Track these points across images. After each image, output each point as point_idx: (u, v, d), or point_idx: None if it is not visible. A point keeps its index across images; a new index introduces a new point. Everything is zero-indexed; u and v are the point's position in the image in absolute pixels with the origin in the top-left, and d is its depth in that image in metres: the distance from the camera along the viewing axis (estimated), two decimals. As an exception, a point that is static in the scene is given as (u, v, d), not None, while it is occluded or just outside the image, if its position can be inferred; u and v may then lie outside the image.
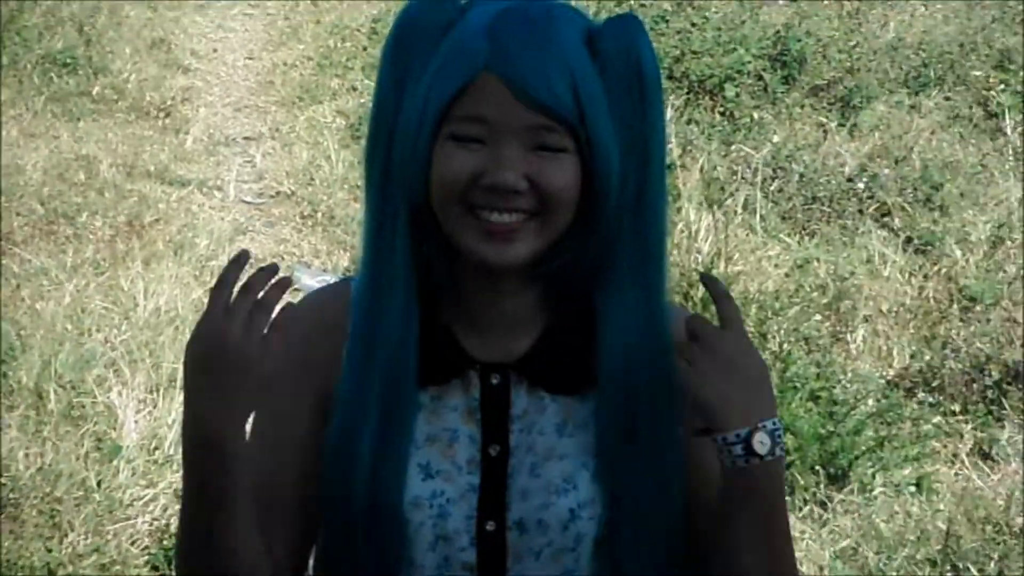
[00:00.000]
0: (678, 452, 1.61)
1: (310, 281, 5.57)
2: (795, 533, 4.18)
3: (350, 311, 1.64)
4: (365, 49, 8.31)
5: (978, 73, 7.68)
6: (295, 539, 1.63)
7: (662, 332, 1.61)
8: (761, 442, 1.54)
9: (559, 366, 1.62)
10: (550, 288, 1.62)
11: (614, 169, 1.56)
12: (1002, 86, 7.55)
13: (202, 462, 1.54)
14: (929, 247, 6.15)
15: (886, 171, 6.70)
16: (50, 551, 3.90)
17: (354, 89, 7.87)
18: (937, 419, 4.93)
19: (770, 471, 1.56)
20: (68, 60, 7.68)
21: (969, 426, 4.92)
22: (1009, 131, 7.19)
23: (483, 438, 1.62)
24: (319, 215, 6.46)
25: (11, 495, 4.08)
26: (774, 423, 1.56)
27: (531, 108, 1.52)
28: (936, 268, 5.97)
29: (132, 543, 4.04)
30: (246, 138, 7.43)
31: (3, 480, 4.11)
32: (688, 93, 7.36)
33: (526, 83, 1.52)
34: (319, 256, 6.12)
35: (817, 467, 4.49)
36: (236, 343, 1.51)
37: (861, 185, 6.61)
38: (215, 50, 8.69)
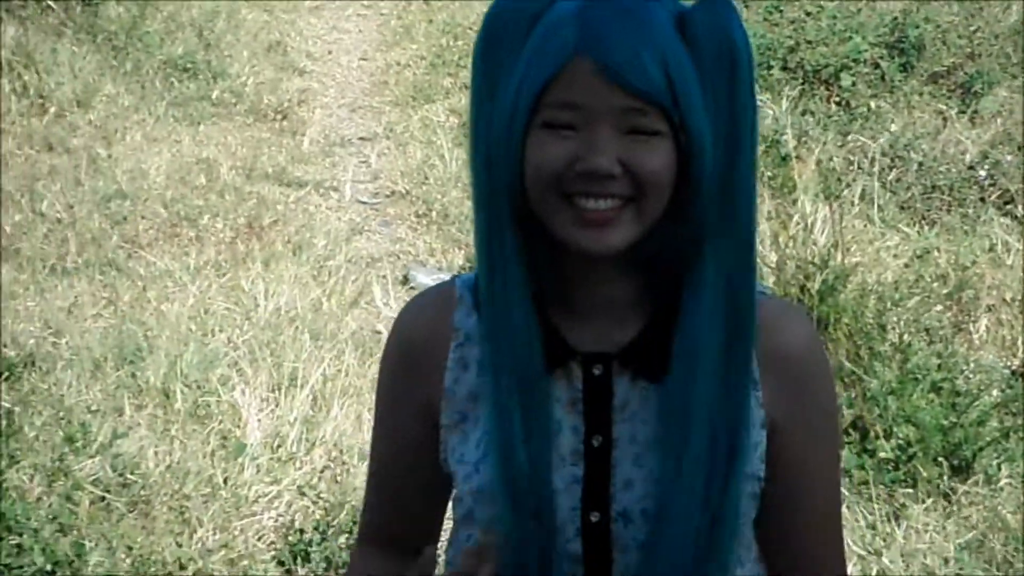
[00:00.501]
0: (740, 453, 1.60)
1: (426, 279, 5.63)
2: (919, 525, 4.16)
3: (456, 309, 1.67)
4: (478, 47, 8.36)
5: (1102, 56, 7.54)
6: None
7: (741, 321, 1.59)
8: None
9: (662, 355, 1.60)
10: (651, 276, 1.61)
11: (708, 152, 1.54)
12: None
13: None
14: (1053, 234, 6.06)
15: (1008, 158, 6.60)
16: (180, 546, 3.97)
17: (467, 87, 7.89)
18: (1063, 409, 4.85)
19: None
20: (188, 65, 7.82)
21: (1097, 416, 4.84)
22: None
23: (586, 429, 1.62)
24: (433, 214, 6.50)
25: (142, 492, 4.15)
26: None
27: (623, 91, 1.51)
28: (1060, 256, 5.88)
29: (259, 539, 4.10)
30: (361, 138, 7.50)
31: (134, 478, 4.19)
32: (803, 83, 7.32)
33: (618, 65, 1.50)
34: (434, 255, 6.17)
35: (940, 458, 4.44)
36: None
37: (983, 173, 6.52)
38: (330, 52, 8.79)
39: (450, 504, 1.73)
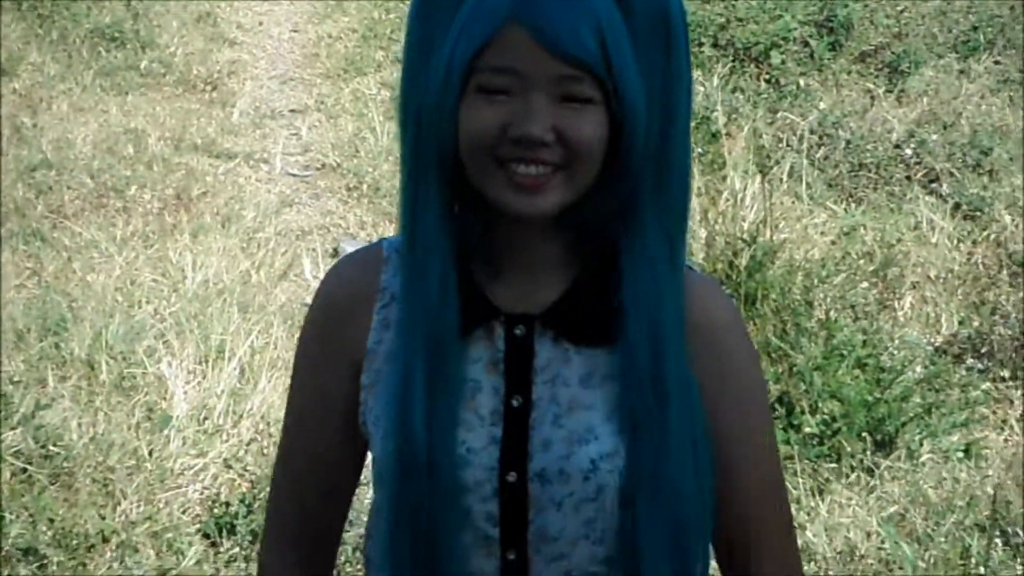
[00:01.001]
0: (699, 415, 1.61)
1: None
2: (843, 500, 4.19)
3: (382, 270, 1.67)
4: (410, 20, 8.32)
5: (1028, 37, 7.61)
6: (340, 506, 1.73)
7: (678, 291, 1.61)
8: None
9: (585, 318, 1.61)
10: (578, 239, 1.61)
11: (641, 120, 1.55)
12: (1052, 50, 7.48)
13: None
14: (978, 213, 6.10)
15: (934, 137, 6.65)
16: (103, 518, 3.93)
17: (399, 61, 7.86)
18: (986, 385, 4.90)
19: None
20: (116, 34, 7.72)
21: (1019, 392, 4.88)
22: (1059, 95, 7.13)
23: (506, 389, 1.62)
24: (364, 187, 6.47)
25: (65, 464, 4.11)
26: None
27: (557, 57, 1.51)
28: (985, 234, 5.93)
29: (183, 511, 4.07)
30: (292, 111, 7.45)
31: (57, 449, 4.15)
32: (733, 61, 7.34)
33: (552, 32, 1.50)
34: (364, 228, 6.14)
35: (864, 434, 4.48)
36: None
37: (909, 151, 6.56)
38: (260, 23, 8.71)
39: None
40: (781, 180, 6.17)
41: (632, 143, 1.55)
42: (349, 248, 5.79)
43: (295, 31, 8.64)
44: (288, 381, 4.37)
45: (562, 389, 1.62)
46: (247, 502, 4.04)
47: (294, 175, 6.69)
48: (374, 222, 6.18)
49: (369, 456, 1.70)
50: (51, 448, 4.14)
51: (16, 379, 4.51)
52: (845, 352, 4.75)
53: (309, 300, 5.55)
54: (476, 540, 1.62)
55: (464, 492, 1.61)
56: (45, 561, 3.76)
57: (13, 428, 4.17)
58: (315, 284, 5.51)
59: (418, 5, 1.59)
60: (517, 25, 1.51)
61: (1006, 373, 4.97)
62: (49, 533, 3.82)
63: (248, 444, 4.37)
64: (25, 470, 4.06)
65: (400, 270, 1.64)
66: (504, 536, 1.62)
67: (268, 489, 4.00)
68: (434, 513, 1.60)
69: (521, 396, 1.62)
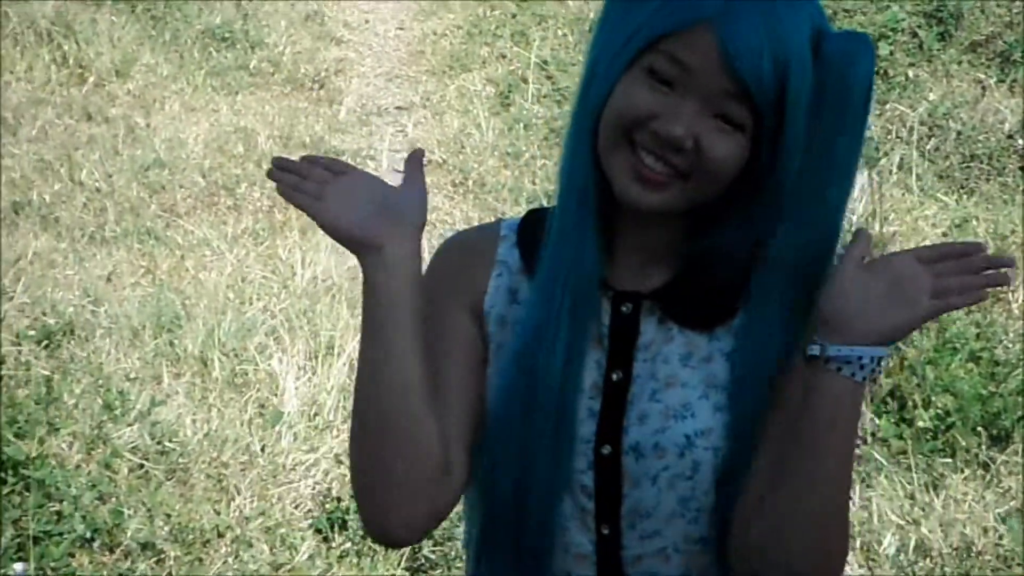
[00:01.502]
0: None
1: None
2: (958, 495, 4.12)
3: (499, 244, 1.71)
4: (514, 16, 8.31)
5: None
6: (463, 431, 1.65)
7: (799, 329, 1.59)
8: (866, 366, 1.51)
9: (693, 301, 1.63)
10: (695, 226, 1.62)
11: (791, 168, 1.54)
12: None
13: (372, 268, 1.62)
14: (1093, 202, 5.99)
15: (1048, 127, 6.53)
16: (218, 514, 3.97)
17: (503, 57, 7.86)
18: (1104, 379, 4.79)
19: (857, 396, 1.53)
20: (226, 35, 7.80)
21: None
22: None
23: (608, 364, 1.63)
24: (470, 183, 6.47)
25: (180, 460, 4.16)
26: (885, 352, 1.53)
27: (733, 75, 1.51)
28: (1101, 224, 5.81)
29: (296, 507, 4.10)
30: (398, 108, 7.47)
31: (173, 445, 4.19)
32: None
33: (740, 49, 1.50)
34: (471, 223, 6.13)
35: (979, 428, 4.40)
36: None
37: (1021, 142, 6.44)
38: (366, 21, 8.75)
39: None
40: (890, 172, 6.09)
41: (772, 186, 1.55)
42: (456, 244, 5.81)
43: (401, 28, 8.67)
44: None
45: (662, 366, 1.63)
46: (358, 497, 4.05)
47: (401, 172, 6.71)
48: (480, 217, 6.18)
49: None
50: (167, 444, 4.19)
51: (132, 376, 4.56)
52: (958, 345, 4.68)
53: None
54: (573, 511, 1.63)
55: (564, 460, 1.62)
56: (162, 555, 3.80)
57: (130, 425, 4.23)
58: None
59: None
60: (710, 28, 1.51)
61: (1125, 366, 4.86)
62: (166, 528, 3.87)
63: (359, 439, 4.38)
64: (142, 466, 4.11)
65: (517, 247, 1.69)
66: (599, 509, 1.63)
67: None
68: (538, 472, 1.61)
69: (622, 371, 1.63)
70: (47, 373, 4.45)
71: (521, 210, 6.00)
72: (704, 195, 1.56)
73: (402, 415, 1.59)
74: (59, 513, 3.78)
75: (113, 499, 3.92)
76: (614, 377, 1.63)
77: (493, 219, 6.29)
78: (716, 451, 1.60)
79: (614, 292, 1.64)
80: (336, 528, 4.00)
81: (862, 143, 1.58)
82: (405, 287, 1.59)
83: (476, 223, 6.17)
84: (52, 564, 3.59)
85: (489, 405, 1.65)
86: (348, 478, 4.15)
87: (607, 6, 1.60)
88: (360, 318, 1.65)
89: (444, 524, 3.97)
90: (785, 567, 1.55)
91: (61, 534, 3.71)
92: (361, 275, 1.62)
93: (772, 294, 1.59)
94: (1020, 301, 5.33)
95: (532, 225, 1.70)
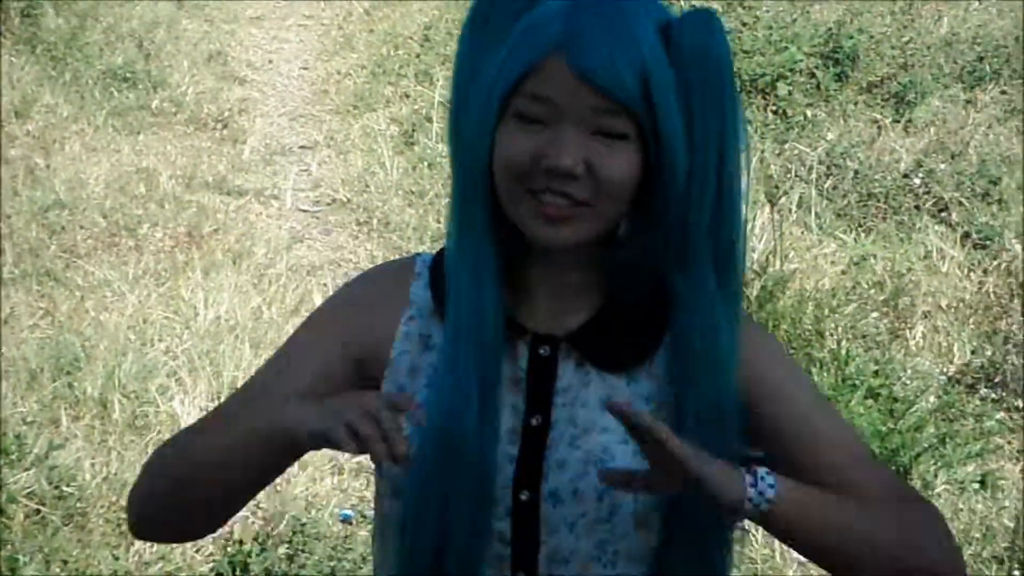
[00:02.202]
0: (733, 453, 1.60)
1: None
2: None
3: (412, 283, 1.67)
4: (418, 56, 8.31)
5: (1034, 66, 7.59)
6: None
7: (731, 334, 1.62)
8: (763, 495, 1.55)
9: (611, 343, 1.63)
10: (609, 266, 1.62)
11: (680, 162, 1.56)
12: (1059, 79, 7.46)
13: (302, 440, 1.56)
14: (988, 242, 6.08)
15: (942, 166, 6.63)
16: (117, 559, 3.92)
17: (407, 96, 7.86)
18: (1000, 415, 4.87)
19: (786, 505, 1.56)
20: (128, 75, 7.72)
21: (1033, 421, 4.85)
22: (1067, 124, 7.11)
23: (527, 408, 1.62)
24: (375, 221, 6.45)
25: (78, 504, 4.10)
26: (756, 477, 1.55)
27: (594, 91, 1.52)
28: (996, 263, 5.90)
29: (196, 551, 4.04)
30: (302, 147, 7.43)
31: (71, 489, 4.14)
32: (740, 92, 7.31)
33: (592, 67, 1.52)
34: (375, 262, 6.11)
35: (879, 465, 4.44)
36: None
37: (917, 181, 6.54)
38: (270, 61, 8.72)
39: (373, 493, 1.72)
40: (790, 210, 6.15)
41: (670, 185, 1.56)
42: (360, 284, 5.78)
43: (304, 68, 8.64)
44: None
45: (581, 411, 1.62)
46: (260, 540, 4.03)
47: (305, 211, 6.67)
48: (385, 256, 6.15)
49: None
50: (64, 488, 4.14)
51: (29, 419, 4.51)
52: (857, 382, 4.73)
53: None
54: (488, 558, 1.61)
55: (482, 509, 1.61)
56: (59, 603, 3.74)
57: (27, 469, 4.17)
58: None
59: (469, 29, 1.61)
60: (559, 56, 1.53)
61: (1020, 402, 4.94)
62: (63, 575, 3.81)
63: (261, 482, 4.34)
64: (39, 511, 4.06)
65: (430, 287, 1.66)
66: (515, 556, 1.62)
67: (282, 526, 3.94)
68: (457, 521, 1.59)
69: (540, 415, 1.62)
70: (-59, 417, 4.37)
71: (426, 248, 5.99)
72: (611, 215, 1.57)
73: (222, 504, 1.66)
74: (-49, 561, 3.72)
75: (8, 546, 3.87)
76: (533, 422, 1.62)
77: (398, 256, 6.27)
78: (635, 495, 1.59)
79: (532, 335, 1.63)
80: (238, 571, 3.95)
81: (739, 112, 1.61)
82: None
83: (381, 260, 6.16)
84: (-57, 614, 3.51)
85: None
86: (249, 520, 4.11)
87: (457, 66, 1.62)
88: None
89: (348, 567, 3.94)
90: None
91: (-47, 583, 3.64)
92: (288, 425, 1.57)
93: (696, 301, 1.60)
94: (917, 338, 5.40)
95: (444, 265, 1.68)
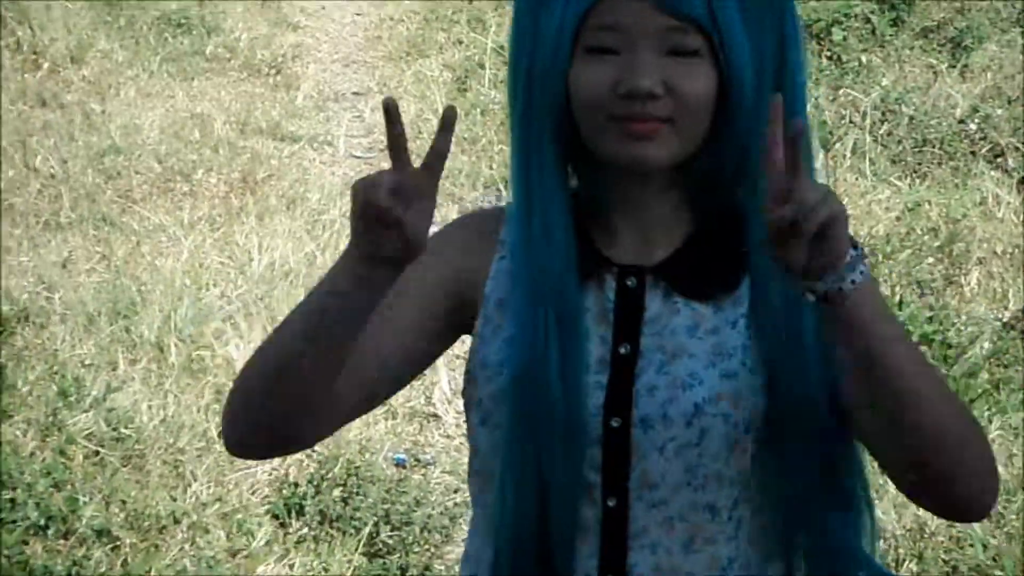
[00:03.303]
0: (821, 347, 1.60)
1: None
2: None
3: (505, 226, 1.70)
4: (471, 2, 8.28)
5: (1093, 9, 7.48)
6: (362, 398, 1.67)
7: None
8: (848, 279, 1.49)
9: (697, 273, 1.64)
10: (693, 196, 1.64)
11: (748, 74, 1.58)
12: (1120, 21, 7.35)
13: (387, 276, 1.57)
14: (1045, 187, 6.03)
15: (999, 112, 6.56)
16: (174, 500, 3.96)
17: (460, 43, 7.84)
18: (1055, 361, 4.84)
19: (863, 295, 1.51)
20: (182, 20, 7.74)
21: (1088, 367, 4.82)
22: None
23: (614, 338, 1.64)
24: (428, 168, 6.45)
25: (136, 446, 4.14)
26: (852, 254, 1.50)
27: (662, 11, 1.54)
28: (1052, 208, 5.85)
29: (252, 492, 4.09)
30: (355, 93, 7.44)
31: (128, 432, 4.17)
32: (796, 31, 7.26)
33: None
34: (429, 209, 6.12)
35: (932, 411, 4.42)
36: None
37: (973, 126, 6.48)
38: (323, 7, 8.71)
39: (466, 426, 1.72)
40: (844, 157, 6.11)
41: (740, 98, 1.58)
42: (413, 229, 5.78)
43: (358, 14, 8.62)
44: None
45: (669, 339, 1.64)
46: (315, 483, 4.06)
47: (358, 157, 6.68)
48: (438, 202, 6.14)
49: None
50: (122, 431, 4.17)
51: (87, 363, 4.55)
52: (912, 328, 4.71)
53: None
54: (579, 486, 1.63)
55: (573, 436, 1.63)
56: (118, 542, 3.79)
57: (85, 411, 4.21)
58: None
59: None
60: None
61: (1075, 349, 4.90)
62: (121, 515, 3.86)
63: (316, 425, 4.37)
64: (97, 453, 4.09)
65: (518, 229, 1.66)
66: (605, 483, 1.64)
67: (336, 469, 3.97)
68: (551, 458, 1.61)
69: (629, 345, 1.64)
70: (1, 361, 4.42)
71: (479, 195, 5.99)
72: (693, 134, 1.58)
73: (317, 387, 1.60)
74: (13, 500, 3.76)
75: (68, 486, 3.90)
76: (621, 351, 1.64)
77: (451, 203, 6.23)
78: (726, 417, 1.61)
79: (618, 268, 1.65)
80: (293, 514, 4.00)
81: (798, 27, 1.63)
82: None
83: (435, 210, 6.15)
84: (5, 552, 3.58)
85: (494, 385, 1.65)
86: (304, 463, 4.14)
87: (516, 12, 1.63)
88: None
89: (401, 509, 3.97)
90: (938, 499, 1.61)
91: (14, 521, 3.69)
92: (354, 266, 1.58)
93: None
94: (972, 284, 5.36)
95: None
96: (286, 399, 1.60)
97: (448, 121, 1.57)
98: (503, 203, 1.74)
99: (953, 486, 1.58)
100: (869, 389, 1.54)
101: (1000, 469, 4.06)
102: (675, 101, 1.56)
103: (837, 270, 1.49)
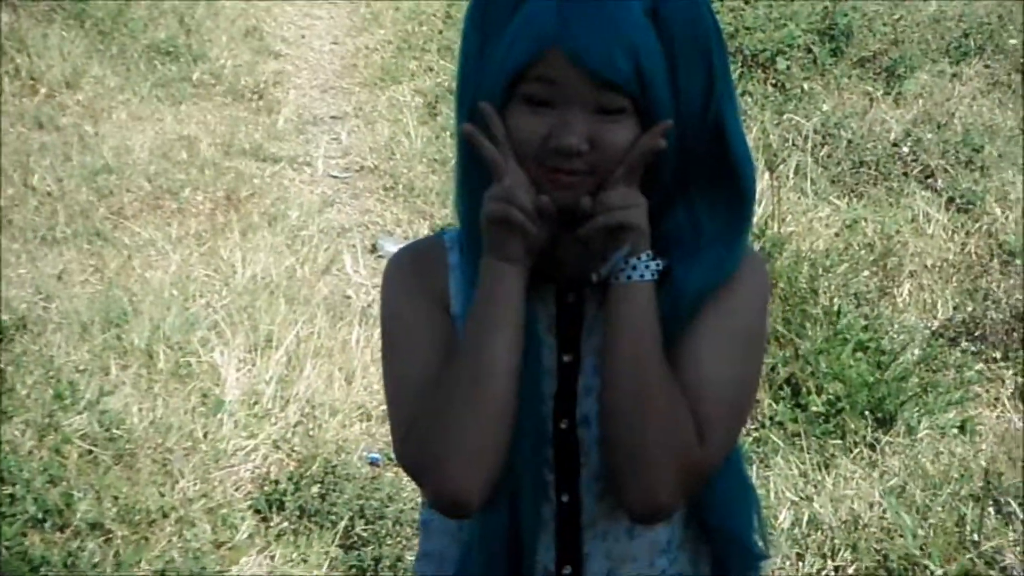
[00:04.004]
0: None
1: (392, 248, 5.60)
2: (847, 473, 4.17)
3: (448, 253, 1.74)
4: (440, 32, 8.30)
5: (1015, 42, 7.55)
6: None
7: (722, 266, 1.68)
8: (624, 275, 1.61)
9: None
10: None
11: (671, 130, 1.61)
12: (1038, 54, 7.43)
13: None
14: (970, 206, 6.07)
15: (929, 136, 6.61)
16: (163, 495, 3.95)
17: (431, 70, 7.86)
18: (979, 366, 4.87)
19: (632, 294, 1.62)
20: (170, 49, 7.73)
21: (1010, 372, 4.86)
22: (1045, 96, 7.09)
23: (559, 348, 1.70)
24: (400, 187, 6.47)
25: (127, 446, 4.12)
26: (638, 261, 1.62)
27: (591, 75, 1.58)
28: (977, 225, 5.89)
29: (236, 489, 4.08)
30: (332, 117, 7.44)
31: (120, 432, 4.16)
32: (742, 66, 7.30)
33: (588, 57, 1.57)
34: (400, 225, 6.14)
35: (866, 412, 4.46)
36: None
37: (906, 149, 6.53)
38: (303, 36, 8.72)
39: None
40: (788, 177, 6.15)
41: (670, 143, 1.62)
42: (387, 243, 5.80)
43: (335, 43, 8.64)
44: (330, 368, 4.32)
45: (601, 339, 1.68)
46: (294, 480, 4.06)
47: (335, 177, 6.69)
48: (409, 219, 6.18)
49: None
50: (114, 431, 4.16)
51: (81, 368, 4.52)
52: (848, 336, 4.73)
53: (350, 292, 5.56)
54: (535, 485, 1.69)
55: (538, 439, 1.68)
56: (110, 535, 3.78)
57: (79, 413, 4.20)
58: (355, 278, 5.53)
59: (472, 15, 1.66)
60: (558, 48, 1.58)
61: (998, 354, 4.94)
62: (114, 509, 3.84)
63: (295, 426, 4.37)
64: (91, 451, 4.08)
65: (467, 252, 1.69)
66: (559, 480, 1.69)
67: (314, 467, 3.97)
68: (522, 461, 1.66)
69: (571, 354, 1.70)
70: (1, 366, 4.40)
71: (447, 212, 6.01)
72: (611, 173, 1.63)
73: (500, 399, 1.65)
74: (12, 495, 3.75)
75: (63, 482, 3.89)
76: (564, 359, 1.70)
77: (422, 220, 6.23)
78: None
79: (558, 284, 1.70)
80: (274, 508, 3.99)
81: (728, 74, 1.66)
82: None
83: (406, 224, 6.20)
84: (6, 543, 3.56)
85: None
86: (284, 462, 4.13)
87: (462, 56, 1.67)
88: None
89: (375, 505, 3.98)
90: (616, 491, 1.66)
91: (14, 515, 3.68)
92: (494, 275, 1.64)
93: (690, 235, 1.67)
94: (904, 295, 5.40)
95: None
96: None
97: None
98: (439, 233, 1.78)
99: (622, 484, 1.63)
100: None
101: (928, 466, 4.12)
102: (598, 154, 1.60)
103: (620, 264, 1.60)
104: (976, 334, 5.07)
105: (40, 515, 3.74)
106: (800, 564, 3.81)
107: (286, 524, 3.94)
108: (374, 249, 5.83)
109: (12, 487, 3.77)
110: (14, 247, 5.50)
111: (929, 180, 6.36)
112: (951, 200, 6.14)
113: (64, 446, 4.03)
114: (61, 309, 4.93)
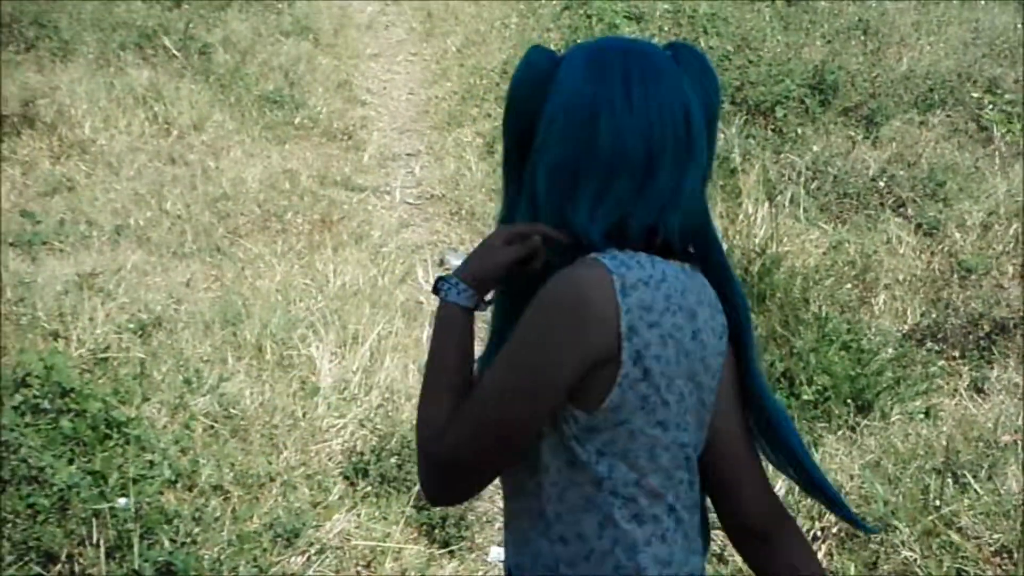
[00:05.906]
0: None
1: (456, 261, 5.62)
2: (832, 451, 4.16)
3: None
4: (498, 84, 8.32)
5: (973, 96, 7.50)
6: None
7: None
8: (442, 290, 1.60)
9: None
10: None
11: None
12: (991, 106, 7.37)
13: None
14: (934, 230, 6.04)
15: (901, 172, 6.58)
16: (270, 463, 3.99)
17: (489, 115, 7.88)
18: (941, 363, 4.85)
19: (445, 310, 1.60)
20: (277, 98, 7.79)
21: (966, 367, 4.83)
22: (997, 140, 7.02)
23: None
24: (463, 212, 6.48)
25: (241, 423, 4.17)
26: (450, 284, 1.59)
27: None
28: (940, 247, 5.86)
29: (329, 459, 4.11)
30: (408, 154, 7.47)
31: (236, 412, 4.20)
32: (747, 114, 7.29)
33: None
34: (463, 243, 6.16)
35: (848, 400, 4.45)
36: None
37: (882, 184, 6.50)
38: (385, 88, 8.76)
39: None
40: (784, 206, 6.13)
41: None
42: (452, 258, 5.82)
43: (411, 94, 8.68)
44: (405, 360, 4.29)
45: None
46: (376, 452, 4.07)
47: (410, 203, 6.72)
48: (471, 238, 6.19)
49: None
50: (231, 411, 4.20)
51: (205, 359, 4.56)
52: (834, 338, 4.72)
53: (422, 298, 5.52)
54: None
55: None
56: (228, 495, 3.81)
57: (203, 395, 4.24)
58: (426, 286, 5.55)
59: (514, 88, 1.65)
60: None
61: (956, 354, 4.92)
62: (231, 474, 3.88)
63: (377, 408, 4.39)
64: (212, 427, 4.12)
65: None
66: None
67: (393, 442, 3.97)
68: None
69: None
70: (141, 356, 4.45)
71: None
72: None
73: None
74: (151, 462, 3.79)
75: (191, 451, 3.93)
76: None
77: (481, 239, 6.22)
78: None
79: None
80: (359, 475, 4.01)
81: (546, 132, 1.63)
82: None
83: (468, 242, 6.20)
84: (147, 500, 3.59)
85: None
86: (368, 438, 4.16)
87: (506, 125, 1.68)
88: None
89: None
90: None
91: (153, 477, 3.72)
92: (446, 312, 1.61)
93: None
94: (880, 304, 5.38)
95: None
96: None
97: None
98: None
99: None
100: None
101: (898, 444, 4.08)
102: None
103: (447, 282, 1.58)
104: (939, 336, 5.04)
105: (173, 477, 3.78)
106: (792, 525, 3.80)
107: (369, 488, 3.97)
108: (442, 263, 5.86)
109: (151, 454, 3.81)
110: (151, 260, 5.55)
111: (901, 209, 6.33)
112: (919, 225, 6.11)
113: (191, 422, 4.08)
114: (188, 311, 4.97)
